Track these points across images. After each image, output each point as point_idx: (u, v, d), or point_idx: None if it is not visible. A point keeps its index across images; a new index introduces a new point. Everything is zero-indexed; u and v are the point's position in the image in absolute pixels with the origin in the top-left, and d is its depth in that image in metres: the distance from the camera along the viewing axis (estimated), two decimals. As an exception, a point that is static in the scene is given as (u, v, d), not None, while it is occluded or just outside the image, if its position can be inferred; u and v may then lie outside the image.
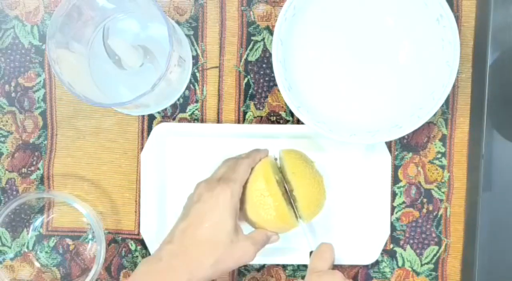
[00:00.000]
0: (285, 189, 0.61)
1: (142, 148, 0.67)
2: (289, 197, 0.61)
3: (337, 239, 0.65)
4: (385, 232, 0.65)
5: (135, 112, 0.67)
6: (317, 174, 0.61)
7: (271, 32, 0.67)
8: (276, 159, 0.64)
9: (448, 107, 0.67)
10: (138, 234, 0.67)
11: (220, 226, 0.54)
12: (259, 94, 0.67)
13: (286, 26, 0.61)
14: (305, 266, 0.67)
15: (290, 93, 0.61)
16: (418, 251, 0.67)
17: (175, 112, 0.67)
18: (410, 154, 0.67)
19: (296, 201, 0.60)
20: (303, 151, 0.65)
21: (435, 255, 0.67)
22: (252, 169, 0.60)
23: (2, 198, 0.68)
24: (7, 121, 0.67)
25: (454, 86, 0.66)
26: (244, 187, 0.59)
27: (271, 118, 0.67)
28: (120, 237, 0.68)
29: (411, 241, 0.67)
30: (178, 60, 0.59)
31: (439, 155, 0.67)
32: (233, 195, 0.55)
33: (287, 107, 0.66)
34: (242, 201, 0.58)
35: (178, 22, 0.67)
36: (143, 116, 0.67)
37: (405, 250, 0.67)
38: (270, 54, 0.66)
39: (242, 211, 0.59)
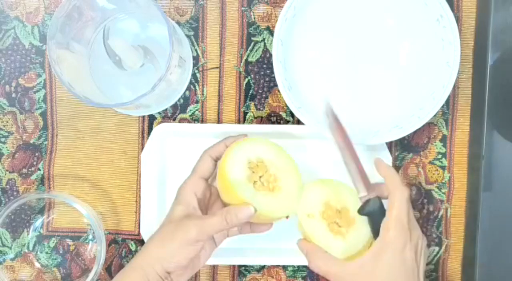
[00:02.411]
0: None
1: (142, 148, 0.67)
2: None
3: (338, 240, 0.65)
4: (385, 232, 0.65)
5: (136, 113, 0.67)
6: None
7: (271, 33, 0.67)
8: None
9: (448, 108, 0.67)
10: (138, 234, 0.67)
11: (168, 213, 0.58)
12: (259, 94, 0.67)
13: (286, 27, 0.61)
14: (305, 266, 0.67)
15: (291, 93, 0.61)
16: (418, 251, 0.67)
17: (176, 112, 0.67)
18: (411, 155, 0.67)
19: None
20: (303, 151, 0.66)
21: (435, 255, 0.67)
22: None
23: (2, 199, 0.68)
24: (7, 122, 0.67)
25: (454, 87, 0.66)
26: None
27: (272, 118, 0.67)
28: (120, 238, 0.68)
29: (412, 242, 0.67)
30: (178, 60, 0.59)
31: (440, 156, 0.67)
32: (183, 185, 0.58)
33: (288, 107, 0.66)
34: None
35: (178, 23, 0.67)
36: (143, 116, 0.67)
37: (405, 250, 0.67)
38: (271, 55, 0.66)
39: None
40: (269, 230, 0.61)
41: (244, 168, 0.56)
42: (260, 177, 0.57)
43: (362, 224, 0.57)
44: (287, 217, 0.58)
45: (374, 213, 0.56)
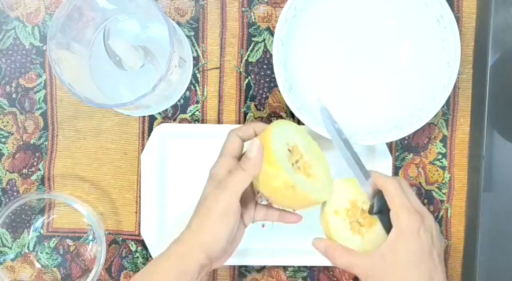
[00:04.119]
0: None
1: (142, 148, 0.67)
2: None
3: (338, 240, 0.65)
4: (385, 233, 0.65)
5: (136, 113, 0.67)
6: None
7: (271, 33, 0.67)
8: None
9: (448, 108, 0.67)
10: (139, 234, 0.67)
11: (201, 197, 0.57)
12: (259, 95, 0.67)
13: (286, 27, 0.61)
14: (306, 267, 0.67)
15: (291, 94, 0.61)
16: (418, 252, 0.67)
17: (176, 113, 0.67)
18: (411, 155, 0.67)
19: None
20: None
21: (435, 256, 0.67)
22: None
23: (2, 199, 0.68)
24: (8, 122, 0.67)
25: (454, 87, 0.66)
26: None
27: (272, 119, 0.67)
28: (120, 238, 0.68)
29: (412, 242, 0.67)
30: (178, 61, 0.59)
31: (440, 156, 0.67)
32: (215, 165, 0.57)
33: (288, 108, 0.66)
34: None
35: (178, 23, 0.67)
36: (143, 117, 0.67)
37: (405, 251, 0.67)
38: (271, 55, 0.66)
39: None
40: (297, 222, 0.60)
41: (285, 147, 0.56)
42: (296, 161, 0.56)
43: (381, 227, 0.57)
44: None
45: (383, 211, 0.56)
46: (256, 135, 0.57)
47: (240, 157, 0.57)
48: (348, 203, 0.58)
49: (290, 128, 0.57)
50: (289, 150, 0.56)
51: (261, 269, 0.67)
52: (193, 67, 0.67)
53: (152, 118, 0.67)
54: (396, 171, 0.67)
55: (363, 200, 0.58)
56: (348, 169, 0.58)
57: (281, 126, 0.56)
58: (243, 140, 0.58)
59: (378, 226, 0.57)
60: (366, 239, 0.57)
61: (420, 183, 0.67)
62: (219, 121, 0.67)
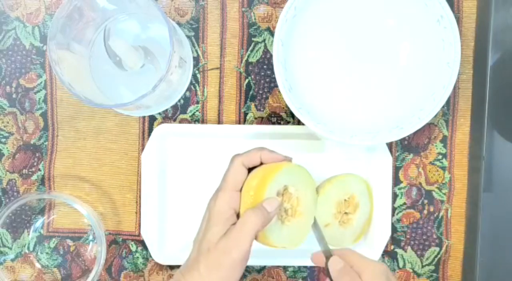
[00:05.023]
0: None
1: (142, 149, 0.67)
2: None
3: (338, 240, 0.65)
4: (386, 233, 0.65)
5: (136, 113, 0.67)
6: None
7: (271, 33, 0.67)
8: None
9: (448, 108, 0.67)
10: (139, 235, 0.67)
11: (204, 235, 0.52)
12: (259, 95, 0.67)
13: (286, 27, 0.61)
14: (306, 267, 0.67)
15: (291, 94, 0.61)
16: (419, 252, 0.67)
17: (176, 113, 0.67)
18: (411, 155, 0.67)
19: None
20: (304, 152, 0.66)
21: (436, 256, 0.67)
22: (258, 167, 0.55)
23: (3, 199, 0.68)
24: (8, 122, 0.67)
25: (454, 87, 0.66)
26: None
27: (272, 119, 0.67)
28: (120, 238, 0.68)
29: (412, 243, 0.67)
30: (179, 61, 0.59)
31: (440, 156, 0.67)
32: (217, 201, 0.53)
33: (288, 108, 0.66)
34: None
35: (179, 23, 0.67)
36: (143, 117, 0.67)
37: (406, 251, 0.67)
38: (271, 55, 0.66)
39: None
40: None
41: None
42: (286, 207, 0.55)
43: (363, 204, 0.63)
44: None
45: None
46: (261, 163, 0.55)
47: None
48: (335, 207, 0.61)
49: (279, 176, 0.54)
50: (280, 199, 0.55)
51: (261, 269, 0.67)
52: (193, 67, 0.67)
53: (152, 118, 0.67)
54: (396, 171, 0.67)
55: (343, 192, 0.62)
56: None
57: (272, 183, 0.53)
58: (247, 168, 0.55)
59: (361, 205, 0.63)
60: (355, 225, 0.62)
61: (420, 183, 0.67)
62: (219, 121, 0.67)
